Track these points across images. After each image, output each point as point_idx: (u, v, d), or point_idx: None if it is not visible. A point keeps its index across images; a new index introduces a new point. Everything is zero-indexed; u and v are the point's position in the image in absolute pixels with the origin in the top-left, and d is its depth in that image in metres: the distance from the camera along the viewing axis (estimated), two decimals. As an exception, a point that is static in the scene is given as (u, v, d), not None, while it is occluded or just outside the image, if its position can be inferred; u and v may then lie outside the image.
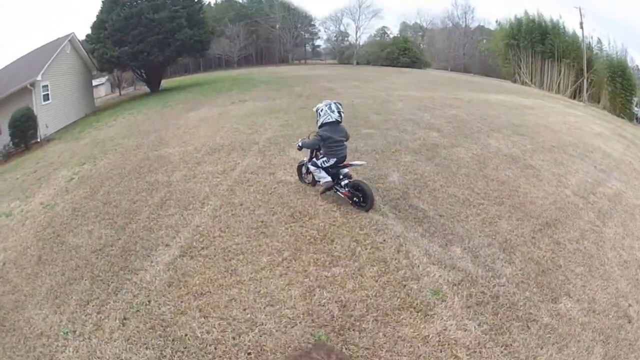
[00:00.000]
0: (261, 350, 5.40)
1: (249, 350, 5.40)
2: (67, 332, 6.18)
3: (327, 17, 72.28)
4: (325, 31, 73.88)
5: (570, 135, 15.42)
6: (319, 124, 7.79)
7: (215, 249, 7.66)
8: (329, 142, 7.58)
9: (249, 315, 5.94)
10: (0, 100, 22.91)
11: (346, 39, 71.13)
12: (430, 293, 6.12)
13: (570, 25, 38.02)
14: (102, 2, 31.07)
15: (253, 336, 5.60)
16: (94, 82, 54.60)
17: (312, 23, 76.20)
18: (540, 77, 37.99)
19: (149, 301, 6.49)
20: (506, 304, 6.02)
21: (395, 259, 6.76)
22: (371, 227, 7.62)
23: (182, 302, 6.35)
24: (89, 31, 31.25)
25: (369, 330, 5.59)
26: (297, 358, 2.27)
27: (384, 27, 69.26)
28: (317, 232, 7.85)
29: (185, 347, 5.53)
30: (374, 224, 7.73)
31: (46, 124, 23.50)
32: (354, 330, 5.60)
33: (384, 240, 7.24)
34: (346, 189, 7.84)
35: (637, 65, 37.99)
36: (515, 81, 39.98)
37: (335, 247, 7.26)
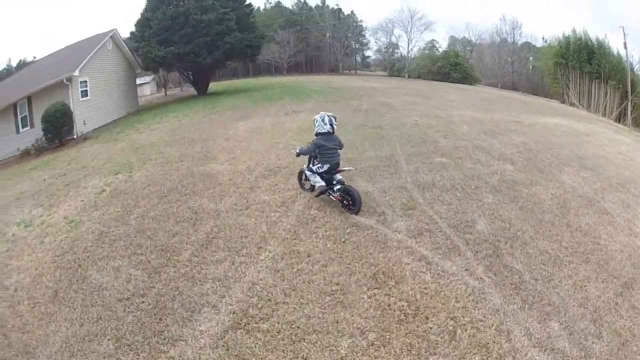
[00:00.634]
0: None
1: None
2: None
3: (378, 27, 71.00)
4: (376, 42, 72.56)
5: (628, 169, 13.70)
6: (314, 133, 8.43)
7: (278, 322, 5.78)
8: (323, 149, 8.12)
9: None
10: (35, 93, 22.00)
11: (396, 50, 69.58)
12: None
13: (615, 44, 36.66)
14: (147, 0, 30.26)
15: None
16: (139, 81, 54.51)
17: (363, 33, 74.97)
18: (588, 98, 36.79)
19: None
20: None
21: (497, 343, 5.52)
22: (468, 297, 6.27)
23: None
24: (133, 29, 30.76)
25: None
26: None
27: (433, 40, 67.89)
28: (408, 304, 6.08)
29: None
30: (471, 292, 6.38)
31: (84, 120, 22.36)
32: None
33: (484, 317, 5.93)
34: (338, 193, 8.19)
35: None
36: (563, 102, 38.52)
37: (430, 328, 5.71)
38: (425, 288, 6.35)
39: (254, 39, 30.86)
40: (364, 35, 77.23)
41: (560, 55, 39.27)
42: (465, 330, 5.66)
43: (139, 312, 6.22)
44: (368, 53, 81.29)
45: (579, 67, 36.92)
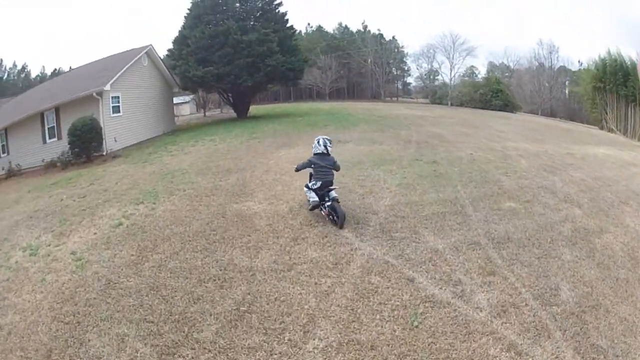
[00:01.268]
0: None
1: None
2: None
3: (419, 53, 69.37)
4: (417, 68, 70.96)
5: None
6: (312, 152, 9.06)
7: None
8: (316, 167, 8.79)
9: None
10: (64, 104, 21.18)
11: (437, 77, 67.99)
12: None
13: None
14: (185, 17, 29.51)
15: None
16: (178, 100, 54.08)
17: (404, 59, 73.72)
18: (625, 123, 34.53)
19: None
20: None
21: None
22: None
23: None
24: (171, 46, 29.94)
25: None
26: None
27: (472, 66, 65.87)
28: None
29: None
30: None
31: (115, 137, 21.26)
32: None
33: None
34: (327, 209, 8.62)
35: None
36: (602, 127, 36.25)
37: None
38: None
39: (297, 62, 29.62)
40: (405, 62, 76.27)
41: (598, 79, 37.35)
42: None
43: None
44: (409, 80, 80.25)
45: (616, 91, 35.03)
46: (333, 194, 8.74)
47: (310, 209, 9.17)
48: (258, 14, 29.85)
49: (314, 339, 5.50)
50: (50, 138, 21.64)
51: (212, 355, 5.33)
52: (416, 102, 64.65)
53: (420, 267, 7.16)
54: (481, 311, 5.99)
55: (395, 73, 75.88)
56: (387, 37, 75.86)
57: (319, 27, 78.41)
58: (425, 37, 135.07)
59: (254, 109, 35.98)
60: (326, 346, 5.37)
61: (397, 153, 15.35)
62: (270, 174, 12.73)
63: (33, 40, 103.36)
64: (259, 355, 5.28)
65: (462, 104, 53.79)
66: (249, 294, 6.52)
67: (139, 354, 5.44)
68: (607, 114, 36.19)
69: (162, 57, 28.21)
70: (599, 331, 5.91)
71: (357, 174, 12.46)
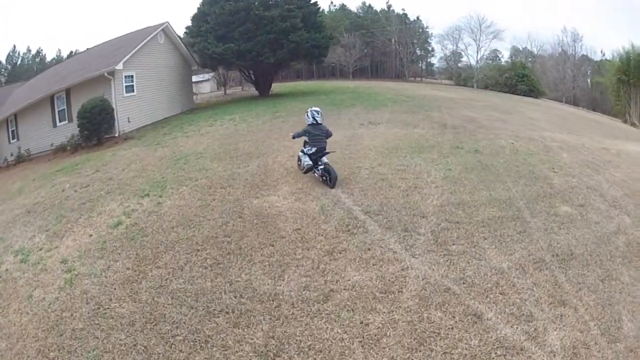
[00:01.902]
0: None
1: None
2: None
3: (444, 34, 66.03)
4: (442, 49, 67.69)
5: None
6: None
7: None
8: (310, 135, 9.28)
9: None
10: (74, 85, 19.52)
11: (460, 59, 64.84)
12: None
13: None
14: None
15: None
16: (198, 78, 52.19)
17: (428, 40, 70.52)
18: None
19: None
20: None
21: None
22: None
23: None
24: (189, 24, 27.82)
25: None
26: None
27: (495, 49, 62.35)
28: None
29: None
30: None
31: (128, 117, 19.62)
32: None
33: None
34: (320, 171, 9.22)
35: None
36: (625, 121, 34.45)
37: None
38: None
39: (322, 39, 27.32)
40: (429, 42, 72.92)
41: (622, 71, 35.97)
42: None
43: None
44: (432, 60, 76.88)
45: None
46: (325, 159, 9.26)
47: (305, 172, 9.70)
48: (281, -11, 27.69)
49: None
50: (60, 121, 20.12)
51: None
52: (440, 83, 61.42)
53: (487, 296, 5.53)
54: (555, 356, 4.69)
55: (419, 53, 72.70)
56: (412, 17, 72.91)
57: (343, 6, 75.35)
58: (449, 18, 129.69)
59: (276, 87, 33.85)
60: None
61: (435, 138, 13.41)
62: (296, 159, 10.89)
63: (48, 23, 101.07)
64: None
65: (487, 87, 50.96)
66: (272, 336, 4.77)
67: None
68: (630, 107, 35.20)
69: (180, 36, 26.36)
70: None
71: (396, 162, 10.54)
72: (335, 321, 4.93)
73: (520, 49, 67.12)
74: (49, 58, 65.45)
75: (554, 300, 5.56)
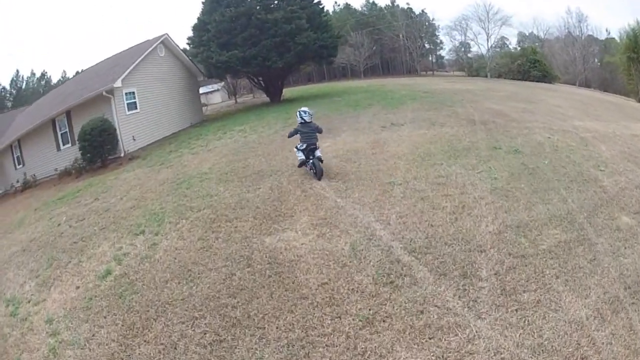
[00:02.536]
0: None
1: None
2: None
3: (452, 25, 63.61)
4: (451, 41, 65.20)
5: None
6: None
7: None
8: (301, 133, 9.50)
9: None
10: (75, 107, 18.08)
11: (470, 49, 62.44)
12: None
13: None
14: (203, 2, 25.67)
15: None
16: (208, 89, 50.58)
17: (436, 33, 68.14)
18: None
19: None
20: None
21: None
22: None
23: None
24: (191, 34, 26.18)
25: None
26: None
27: (503, 37, 59.67)
28: None
29: None
30: None
31: (133, 136, 18.11)
32: None
33: None
34: (310, 165, 9.41)
35: None
36: (639, 100, 33.07)
37: None
38: None
39: (329, 38, 25.52)
40: (437, 35, 70.50)
41: (631, 49, 34.94)
42: None
43: None
44: (442, 53, 74.35)
45: (650, 61, 32.41)
46: (317, 153, 9.41)
47: (299, 166, 9.82)
48: (282, -10, 25.93)
49: None
50: (64, 144, 18.77)
51: None
52: (452, 75, 59.22)
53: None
54: None
55: (427, 47, 70.26)
56: (416, 11, 70.54)
57: (347, 5, 73.36)
58: (454, 10, 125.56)
59: (287, 92, 31.96)
60: None
61: (468, 138, 11.67)
62: (314, 176, 9.20)
63: (51, 46, 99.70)
64: None
65: (500, 76, 49.00)
66: None
67: None
68: (642, 85, 33.93)
69: (183, 48, 24.82)
70: None
71: (432, 173, 8.78)
72: None
73: (527, 34, 64.50)
74: (54, 80, 64.40)
75: (630, 351, 4.29)
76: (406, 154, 10.23)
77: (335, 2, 74.59)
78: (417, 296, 4.89)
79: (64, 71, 71.98)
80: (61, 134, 18.77)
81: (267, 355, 4.30)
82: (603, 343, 4.31)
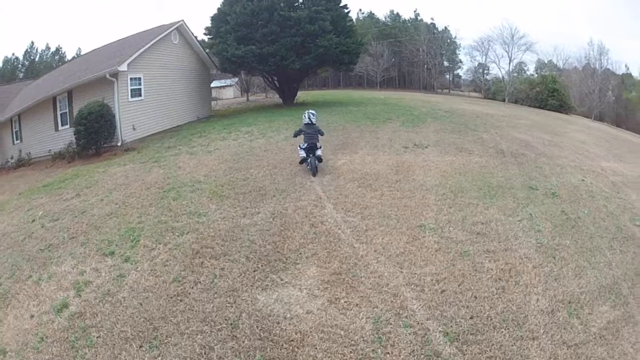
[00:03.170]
0: None
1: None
2: None
3: (474, 46, 61.61)
4: (471, 61, 63.09)
5: None
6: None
7: None
8: (305, 133, 9.78)
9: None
10: (76, 87, 16.40)
11: (486, 71, 60.35)
12: None
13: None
14: None
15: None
16: (220, 83, 48.64)
17: (457, 51, 66.17)
18: None
19: None
20: None
21: None
22: None
23: None
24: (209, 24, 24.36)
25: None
26: None
27: (521, 62, 57.38)
28: None
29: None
30: None
31: (133, 125, 16.49)
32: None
33: None
34: (308, 163, 9.67)
35: None
36: None
37: None
38: None
39: (352, 44, 23.72)
40: (457, 54, 68.50)
41: None
42: None
43: None
44: (459, 72, 72.23)
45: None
46: (318, 152, 9.68)
47: (300, 163, 10.04)
48: (307, -11, 24.13)
49: None
50: (62, 125, 17.17)
51: None
52: (469, 95, 57.08)
53: None
54: None
55: (446, 64, 68.38)
56: (440, 27, 68.68)
57: (370, 14, 71.58)
58: (476, 29, 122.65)
59: (301, 95, 30.00)
60: None
61: (500, 172, 10.11)
62: (327, 204, 7.49)
63: (69, 21, 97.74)
64: None
65: (517, 101, 46.83)
66: None
67: None
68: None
69: (201, 40, 23.12)
70: None
71: (469, 216, 7.15)
72: None
73: (546, 62, 62.47)
74: (69, 56, 61.93)
75: None
76: (435, 185, 8.56)
77: (360, 10, 72.92)
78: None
79: (79, 48, 69.23)
80: (60, 114, 17.18)
81: None
82: None
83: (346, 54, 23.07)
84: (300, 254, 5.92)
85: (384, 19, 69.40)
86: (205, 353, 4.12)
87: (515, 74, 55.91)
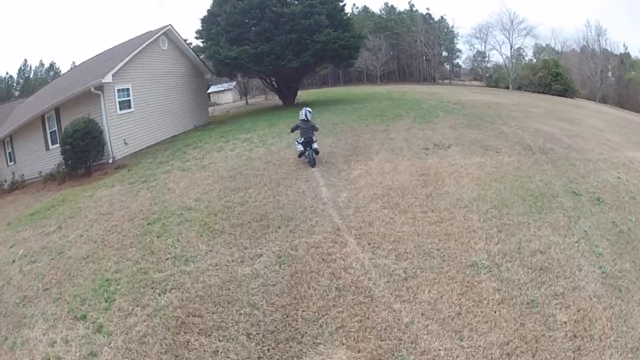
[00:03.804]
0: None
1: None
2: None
3: (472, 34, 59.61)
4: (470, 49, 61.11)
5: None
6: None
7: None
8: (301, 129, 10.07)
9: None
10: (63, 104, 15.03)
11: (485, 59, 58.49)
12: None
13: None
14: None
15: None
16: (219, 87, 46.84)
17: (455, 40, 64.08)
18: None
19: None
20: None
21: None
22: None
23: None
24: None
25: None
26: None
27: (519, 48, 55.31)
28: None
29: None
30: None
31: (124, 139, 15.09)
32: None
33: None
34: (306, 156, 9.93)
35: None
36: None
37: None
38: None
39: (351, 38, 21.99)
40: (455, 43, 66.07)
41: None
42: None
43: None
44: (458, 61, 69.84)
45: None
46: (314, 145, 9.92)
47: (299, 156, 10.19)
48: (299, -17, 22.45)
49: None
50: (52, 144, 15.79)
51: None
52: (470, 85, 55.21)
53: None
54: None
55: (444, 54, 65.92)
56: (435, 17, 66.39)
57: (365, 8, 69.26)
58: (474, 18, 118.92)
59: (301, 95, 28.21)
60: None
61: (537, 175, 8.75)
62: (348, 238, 5.98)
63: (61, 37, 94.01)
64: None
65: (520, 88, 45.25)
66: None
67: None
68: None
69: (195, 46, 21.60)
70: None
71: (523, 244, 6.00)
72: None
73: (544, 46, 60.30)
74: (63, 71, 60.07)
75: None
76: (474, 200, 7.11)
77: (354, 5, 70.79)
78: None
79: (73, 62, 67.89)
80: (50, 133, 15.82)
81: None
82: None
83: (345, 49, 21.39)
84: (321, 326, 4.40)
85: (378, 12, 67.31)
86: None
87: (514, 60, 54.09)
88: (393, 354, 3.97)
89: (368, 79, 56.48)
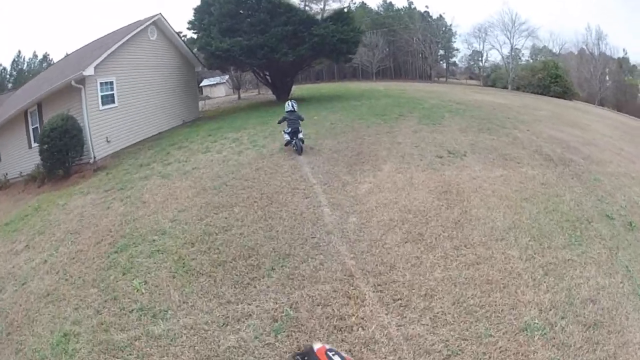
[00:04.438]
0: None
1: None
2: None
3: (471, 32, 58.10)
4: (468, 48, 59.52)
5: None
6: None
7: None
8: (288, 120, 10.38)
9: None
10: (45, 99, 13.68)
11: (484, 58, 56.80)
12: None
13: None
14: None
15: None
16: (211, 81, 44.64)
17: (453, 39, 62.40)
18: None
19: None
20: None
21: None
22: None
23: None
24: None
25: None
26: None
27: (516, 48, 53.87)
28: None
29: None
30: None
31: (107, 137, 13.73)
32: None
33: None
34: (293, 145, 10.17)
35: None
36: None
37: None
38: None
39: (350, 32, 20.59)
40: (453, 42, 63.84)
41: None
42: None
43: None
44: (455, 60, 68.06)
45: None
46: (300, 135, 10.13)
47: (285, 145, 10.42)
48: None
49: None
50: (35, 141, 14.35)
51: None
52: (467, 83, 53.67)
53: None
54: None
55: (441, 53, 63.82)
56: (434, 15, 64.51)
57: (363, 4, 66.86)
58: (473, 17, 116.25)
59: (296, 90, 26.59)
60: None
61: (567, 193, 7.64)
62: (366, 293, 4.67)
63: (55, 29, 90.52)
64: None
65: (519, 88, 44.07)
66: None
67: None
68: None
69: (189, 38, 20.00)
70: None
71: (573, 290, 4.81)
72: None
73: (541, 47, 58.93)
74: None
75: None
76: (510, 228, 5.95)
77: (352, 0, 68.93)
78: None
79: (67, 54, 65.50)
80: (32, 129, 14.50)
81: None
82: None
83: (344, 43, 20.05)
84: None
85: (377, 9, 65.25)
86: None
87: (510, 61, 52.92)
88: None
89: (363, 75, 54.56)
